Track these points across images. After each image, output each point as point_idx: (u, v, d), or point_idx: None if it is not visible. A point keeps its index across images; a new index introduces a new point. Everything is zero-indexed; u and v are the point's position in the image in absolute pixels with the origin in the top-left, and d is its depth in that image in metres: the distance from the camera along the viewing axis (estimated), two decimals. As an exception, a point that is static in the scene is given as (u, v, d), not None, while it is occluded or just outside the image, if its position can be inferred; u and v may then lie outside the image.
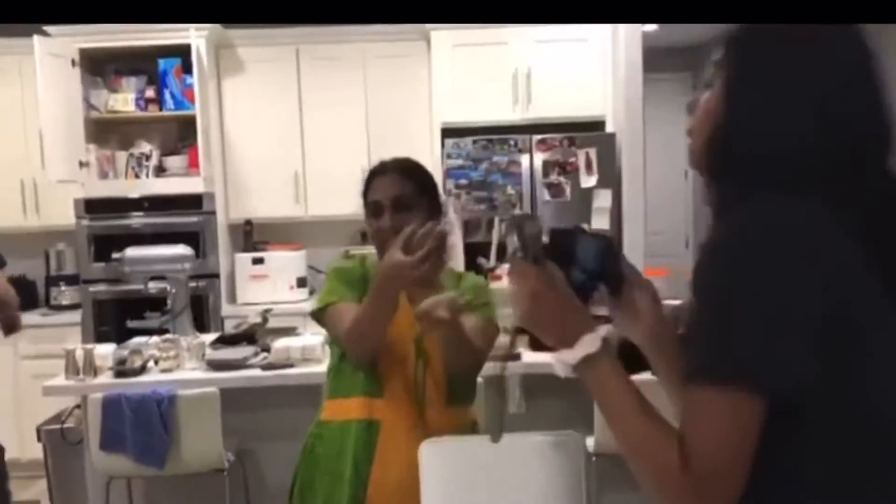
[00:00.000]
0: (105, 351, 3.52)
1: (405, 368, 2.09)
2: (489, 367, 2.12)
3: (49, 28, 5.12)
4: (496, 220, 4.53)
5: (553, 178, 5.26)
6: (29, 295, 5.55)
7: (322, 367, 3.38)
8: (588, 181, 5.24)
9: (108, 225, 5.14)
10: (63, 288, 5.41)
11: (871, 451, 1.08)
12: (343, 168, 5.51)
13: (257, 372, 3.31)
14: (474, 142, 5.24)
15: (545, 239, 1.31)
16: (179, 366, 3.45)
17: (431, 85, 5.38)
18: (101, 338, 4.58)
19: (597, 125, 5.36)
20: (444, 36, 5.32)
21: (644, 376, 1.36)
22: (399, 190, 2.10)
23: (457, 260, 5.22)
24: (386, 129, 5.52)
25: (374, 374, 2.11)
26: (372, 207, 2.12)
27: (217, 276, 5.24)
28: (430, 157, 5.33)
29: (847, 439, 1.08)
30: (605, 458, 3.11)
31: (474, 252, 4.71)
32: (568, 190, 5.24)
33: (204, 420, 3.17)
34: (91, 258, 5.10)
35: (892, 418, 1.09)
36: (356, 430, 2.09)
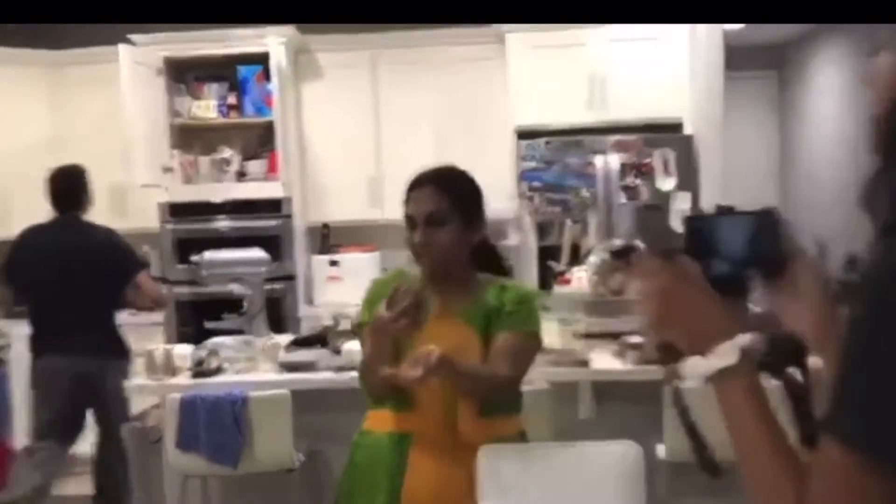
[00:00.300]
0: (184, 351, 3.62)
1: (434, 381, 2.09)
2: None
3: (135, 37, 5.30)
4: (567, 222, 4.48)
5: (629, 180, 5.19)
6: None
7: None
8: (665, 183, 5.15)
9: (190, 228, 5.30)
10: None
11: None
12: (418, 170, 5.54)
13: (329, 374, 3.35)
14: (548, 143, 5.21)
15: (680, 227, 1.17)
16: (254, 367, 3.52)
17: (507, 87, 5.37)
18: (181, 338, 4.71)
19: (674, 127, 5.26)
20: (520, 38, 5.31)
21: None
22: (432, 205, 2.09)
23: (529, 262, 5.22)
24: (461, 131, 5.54)
25: (404, 387, 2.11)
26: (408, 221, 2.14)
27: (294, 278, 5.34)
28: (505, 160, 5.33)
29: None
30: (676, 465, 3.05)
31: (548, 255, 4.69)
32: (645, 192, 5.16)
33: (275, 421, 3.23)
34: (174, 260, 5.26)
35: None
36: (389, 442, 2.11)
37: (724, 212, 1.20)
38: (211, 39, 5.34)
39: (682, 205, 5.07)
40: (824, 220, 6.13)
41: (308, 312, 5.27)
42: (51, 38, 5.56)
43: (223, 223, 5.31)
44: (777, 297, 1.19)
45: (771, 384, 1.09)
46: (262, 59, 5.39)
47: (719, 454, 1.06)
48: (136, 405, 3.93)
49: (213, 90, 5.58)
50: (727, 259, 1.13)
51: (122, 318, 5.39)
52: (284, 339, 3.81)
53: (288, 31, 5.39)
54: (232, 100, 5.54)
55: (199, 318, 4.84)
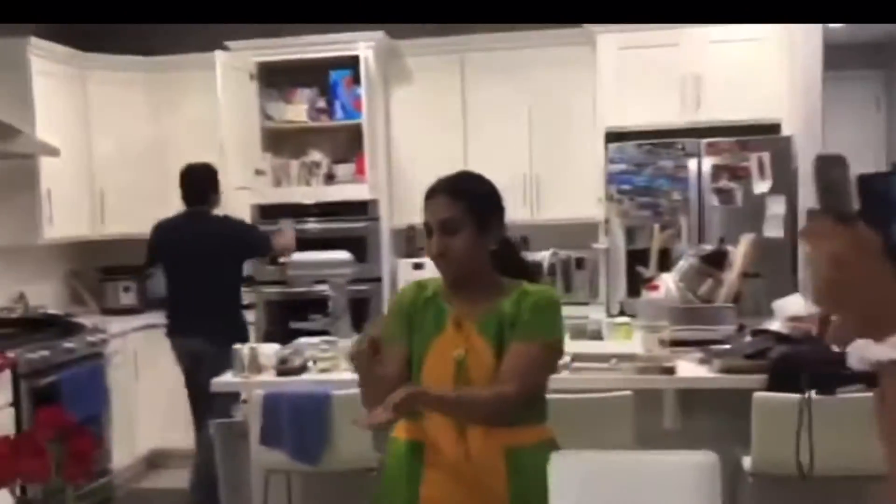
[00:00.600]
0: (269, 350, 3.68)
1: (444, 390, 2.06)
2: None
3: (229, 43, 5.43)
4: (655, 227, 4.37)
5: (723, 183, 5.04)
6: (209, 295, 5.90)
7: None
8: (761, 186, 4.98)
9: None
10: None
11: None
12: (504, 174, 5.43)
13: (408, 376, 3.34)
14: (638, 146, 5.11)
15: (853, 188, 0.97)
16: (337, 367, 3.55)
17: (596, 89, 5.29)
18: (267, 337, 4.79)
19: (771, 128, 5.09)
20: (611, 38, 5.23)
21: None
22: (445, 213, 2.06)
23: (618, 267, 5.12)
24: (549, 134, 5.50)
25: None
26: (425, 229, 2.13)
27: (380, 280, 5.38)
28: (594, 162, 5.25)
29: None
30: (764, 478, 2.93)
31: (637, 260, 4.60)
32: (739, 196, 5.01)
33: (356, 420, 3.24)
34: (264, 261, 5.36)
35: None
36: (407, 450, 2.12)
37: None
38: (302, 44, 5.43)
39: (777, 209, 4.90)
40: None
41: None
42: (149, 45, 5.75)
43: (312, 225, 5.39)
44: None
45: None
46: (352, 64, 5.46)
47: (824, 466, 0.96)
48: (222, 402, 4.01)
49: (304, 94, 5.67)
50: None
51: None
52: (367, 340, 3.82)
53: (377, 35, 5.44)
54: (322, 104, 5.62)
55: (285, 319, 4.94)
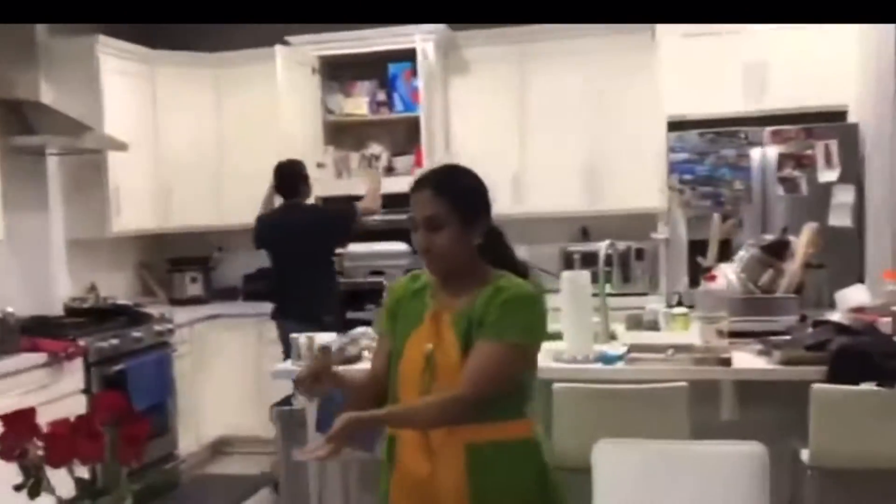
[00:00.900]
0: (325, 339, 3.73)
1: (415, 385, 2.04)
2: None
3: (290, 38, 5.52)
4: (715, 216, 4.30)
5: (787, 172, 4.94)
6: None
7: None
8: (827, 175, 4.86)
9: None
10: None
11: None
12: (563, 164, 5.51)
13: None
14: (701, 135, 5.03)
15: None
16: (391, 356, 3.58)
17: (657, 77, 5.22)
18: (327, 327, 4.86)
19: (837, 115, 4.96)
20: (672, 26, 5.13)
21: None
22: (429, 210, 2.03)
23: (679, 257, 5.05)
24: (609, 123, 5.45)
25: (393, 390, 2.10)
26: (411, 223, 2.11)
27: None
28: (655, 152, 5.18)
29: None
30: (822, 471, 2.87)
31: (699, 250, 4.52)
32: (804, 185, 4.90)
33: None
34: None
35: None
36: (387, 443, 2.13)
37: None
38: (362, 38, 5.48)
39: (844, 198, 4.77)
40: None
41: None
42: (213, 41, 5.87)
43: (372, 217, 5.42)
44: None
45: None
46: (411, 56, 5.49)
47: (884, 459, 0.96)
48: (284, 390, 4.09)
49: (364, 87, 5.73)
50: None
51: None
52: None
53: (436, 27, 5.46)
54: (381, 96, 5.67)
55: (342, 308, 5.00)
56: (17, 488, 1.67)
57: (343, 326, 4.07)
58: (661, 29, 5.17)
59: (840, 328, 3.19)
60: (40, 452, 1.69)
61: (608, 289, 3.93)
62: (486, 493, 1.99)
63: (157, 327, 5.07)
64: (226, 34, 5.74)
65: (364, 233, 5.07)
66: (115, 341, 4.63)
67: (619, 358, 3.32)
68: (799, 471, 2.99)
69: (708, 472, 1.84)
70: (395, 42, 5.48)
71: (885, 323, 3.25)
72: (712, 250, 4.12)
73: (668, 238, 5.17)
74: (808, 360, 3.08)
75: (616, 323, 3.94)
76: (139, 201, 5.54)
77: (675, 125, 5.10)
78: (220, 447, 5.78)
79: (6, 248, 4.61)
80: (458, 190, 2.07)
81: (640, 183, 5.33)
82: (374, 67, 5.68)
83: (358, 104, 5.70)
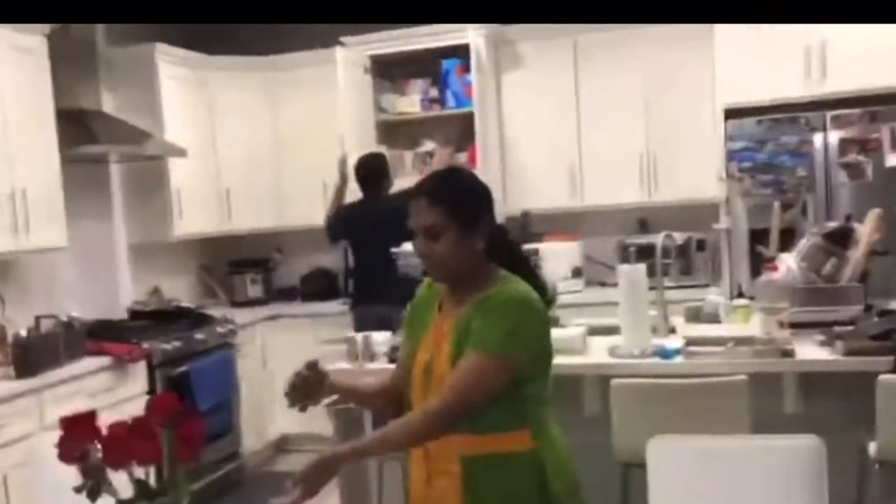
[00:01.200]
0: (381, 338, 3.75)
1: (418, 393, 2.03)
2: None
3: (343, 38, 5.56)
4: (775, 205, 4.20)
5: (851, 157, 4.80)
6: (330, 285, 6.08)
7: (582, 359, 3.37)
8: (893, 159, 4.71)
9: (397, 220, 5.47)
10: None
11: None
12: (620, 156, 5.45)
13: (516, 361, 3.34)
14: (759, 122, 4.92)
15: None
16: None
17: (714, 64, 5.11)
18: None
19: (902, 96, 4.80)
20: (726, 12, 5.03)
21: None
22: (427, 219, 2.00)
23: (740, 247, 4.95)
24: (665, 113, 5.38)
25: (407, 397, 2.08)
26: (412, 231, 2.07)
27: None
28: (713, 140, 5.09)
29: None
30: (891, 465, 2.78)
31: (760, 240, 4.43)
32: (869, 170, 4.76)
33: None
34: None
35: None
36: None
37: None
38: (414, 35, 5.49)
39: (912, 182, 4.62)
40: None
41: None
42: (266, 45, 5.94)
43: (426, 215, 5.44)
44: None
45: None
46: (463, 52, 5.48)
47: None
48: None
49: (416, 85, 5.74)
50: None
51: (329, 307, 5.73)
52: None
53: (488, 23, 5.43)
54: (434, 93, 5.68)
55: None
56: (78, 490, 1.71)
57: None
58: (717, 15, 5.06)
59: (907, 317, 3.09)
60: (100, 455, 1.73)
61: (666, 281, 3.87)
62: None
63: (220, 329, 5.16)
64: (278, 38, 5.81)
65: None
66: (178, 343, 4.73)
67: (677, 352, 3.27)
68: (866, 465, 2.91)
69: (762, 467, 1.80)
70: (446, 38, 5.48)
71: (954, 311, 3.14)
72: (773, 240, 4.03)
73: (729, 228, 5.08)
74: (873, 350, 2.99)
75: (675, 316, 3.88)
76: (199, 205, 5.64)
77: (733, 113, 4.99)
78: (283, 445, 5.86)
79: (71, 255, 4.74)
80: (456, 197, 2.03)
81: (698, 173, 5.24)
82: (427, 64, 5.69)
83: (411, 102, 5.71)
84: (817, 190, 4.84)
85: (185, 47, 5.60)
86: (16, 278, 4.50)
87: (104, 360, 4.23)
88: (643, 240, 5.21)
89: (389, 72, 5.81)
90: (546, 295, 2.12)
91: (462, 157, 5.60)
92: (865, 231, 3.66)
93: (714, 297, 4.14)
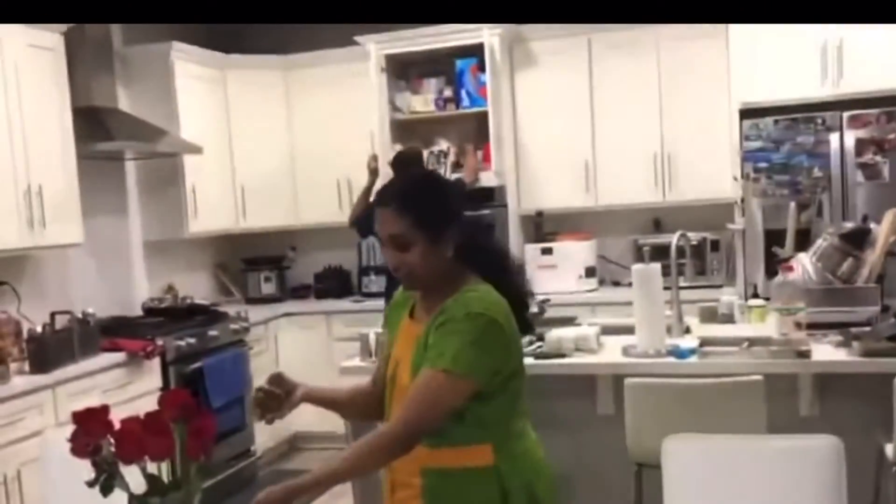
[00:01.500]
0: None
1: (388, 400, 1.99)
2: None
3: (358, 38, 5.56)
4: (791, 205, 4.17)
5: (868, 157, 4.76)
6: (344, 283, 6.09)
7: (595, 359, 3.36)
8: (911, 159, 4.67)
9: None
10: (373, 277, 5.87)
11: None
12: (634, 156, 5.43)
13: (530, 360, 3.32)
14: (776, 122, 4.89)
15: None
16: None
17: (729, 64, 5.09)
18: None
19: (921, 97, 4.75)
20: (743, 11, 5.00)
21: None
22: (393, 229, 1.91)
23: (755, 248, 4.92)
24: (680, 112, 5.34)
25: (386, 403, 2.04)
26: (378, 238, 1.99)
27: (508, 266, 5.38)
28: (728, 140, 5.06)
29: None
30: (909, 469, 2.76)
31: (776, 240, 4.40)
32: (885, 170, 4.72)
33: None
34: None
35: None
36: None
37: None
38: (428, 35, 5.48)
39: (930, 182, 4.58)
40: None
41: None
42: (282, 43, 5.96)
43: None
44: None
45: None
46: (478, 51, 5.47)
47: None
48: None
49: (430, 84, 5.73)
50: None
51: (343, 305, 5.74)
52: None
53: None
54: (448, 93, 5.67)
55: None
56: (90, 484, 1.71)
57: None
58: (733, 14, 5.03)
59: (925, 318, 3.06)
60: (113, 449, 1.73)
61: (681, 281, 3.85)
62: None
63: (234, 326, 5.17)
64: (294, 36, 5.82)
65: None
66: (192, 340, 4.74)
67: (693, 352, 3.25)
68: (884, 467, 2.88)
69: (779, 467, 1.78)
70: (461, 38, 5.47)
71: (973, 313, 3.11)
72: (789, 240, 4.00)
73: (744, 228, 5.05)
74: (891, 351, 2.97)
75: (690, 316, 3.86)
76: (214, 203, 5.65)
77: (749, 112, 4.96)
78: (296, 443, 5.87)
79: (86, 251, 4.76)
80: (423, 207, 1.92)
81: (713, 173, 5.21)
82: (441, 64, 5.68)
83: (425, 101, 5.70)
84: (833, 190, 4.80)
85: (202, 45, 5.62)
86: (32, 274, 4.53)
87: (118, 357, 4.25)
88: (658, 239, 5.18)
89: (404, 71, 5.81)
90: (525, 300, 2.04)
91: (476, 156, 5.60)
92: (883, 231, 3.62)
93: (729, 297, 4.12)
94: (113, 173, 5.25)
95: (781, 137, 4.89)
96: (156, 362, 4.47)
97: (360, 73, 5.63)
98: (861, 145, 4.75)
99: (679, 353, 3.23)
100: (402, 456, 1.83)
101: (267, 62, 5.98)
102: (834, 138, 4.79)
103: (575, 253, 5.42)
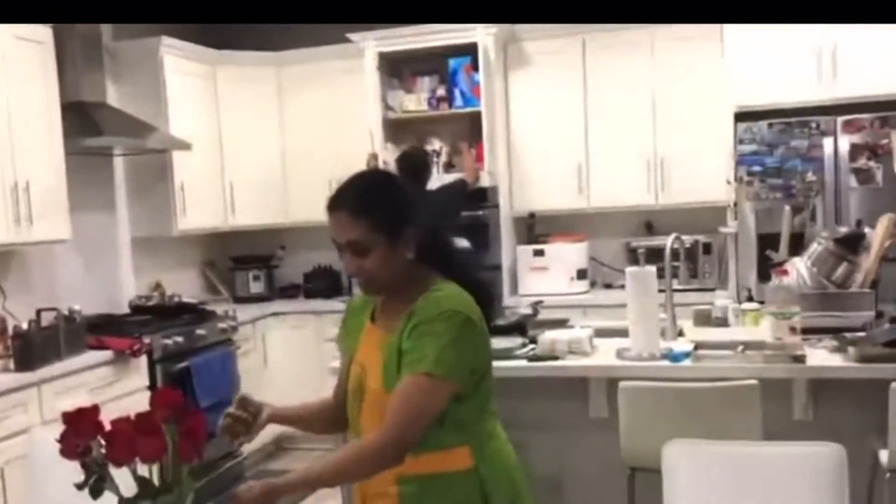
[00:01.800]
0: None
1: (354, 411, 1.93)
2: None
3: (351, 35, 5.52)
4: (786, 209, 4.16)
5: (861, 162, 4.76)
6: (333, 283, 6.04)
7: (589, 361, 3.33)
8: (904, 165, 4.67)
9: (401, 218, 5.44)
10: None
11: None
12: (627, 157, 5.41)
13: (522, 363, 3.31)
14: (770, 125, 4.88)
15: None
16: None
17: (724, 66, 5.07)
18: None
19: (914, 102, 4.75)
20: (737, 14, 4.99)
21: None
22: (350, 234, 1.83)
23: (748, 252, 4.91)
24: (674, 115, 5.33)
25: (349, 415, 1.99)
26: (333, 241, 1.90)
27: (500, 267, 5.37)
28: (722, 143, 5.05)
29: None
30: (905, 475, 2.75)
31: (769, 244, 4.39)
32: (879, 175, 4.72)
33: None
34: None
35: None
36: None
37: None
38: (422, 33, 5.44)
39: (923, 188, 4.58)
40: None
41: (513, 302, 5.25)
42: (274, 40, 5.91)
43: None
44: None
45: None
46: (471, 51, 5.44)
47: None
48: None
49: (424, 83, 5.70)
50: None
51: (332, 305, 5.65)
52: (484, 327, 3.81)
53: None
54: (442, 92, 5.63)
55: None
56: (80, 487, 1.67)
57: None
58: (727, 17, 5.02)
59: (920, 324, 3.05)
60: (103, 451, 1.68)
61: (675, 284, 3.83)
62: None
63: (221, 325, 5.11)
64: (286, 33, 5.77)
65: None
66: (179, 339, 4.68)
67: (687, 355, 3.23)
68: (878, 473, 2.87)
69: (782, 475, 1.76)
70: (455, 37, 5.43)
71: (968, 319, 3.10)
72: (783, 244, 3.99)
73: (737, 232, 5.04)
74: (885, 357, 2.96)
75: (684, 319, 3.84)
76: (203, 200, 5.60)
77: (743, 116, 4.95)
78: (283, 444, 5.82)
79: (73, 248, 4.71)
80: (379, 209, 1.84)
81: (706, 175, 5.20)
82: (434, 62, 5.65)
83: (418, 100, 5.66)
84: (826, 195, 4.80)
85: (193, 41, 5.56)
86: (17, 270, 4.47)
87: (105, 355, 4.19)
88: (651, 242, 5.17)
89: (397, 69, 5.77)
90: (489, 301, 1.97)
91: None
92: (877, 236, 3.62)
93: (723, 300, 4.11)
94: (101, 169, 5.18)
95: (775, 141, 4.88)
96: (142, 361, 4.42)
97: (352, 71, 5.59)
98: (855, 150, 4.75)
99: (674, 357, 3.21)
100: (392, 467, 1.78)
101: (258, 58, 5.93)
102: (828, 143, 4.79)
103: (567, 255, 5.40)
